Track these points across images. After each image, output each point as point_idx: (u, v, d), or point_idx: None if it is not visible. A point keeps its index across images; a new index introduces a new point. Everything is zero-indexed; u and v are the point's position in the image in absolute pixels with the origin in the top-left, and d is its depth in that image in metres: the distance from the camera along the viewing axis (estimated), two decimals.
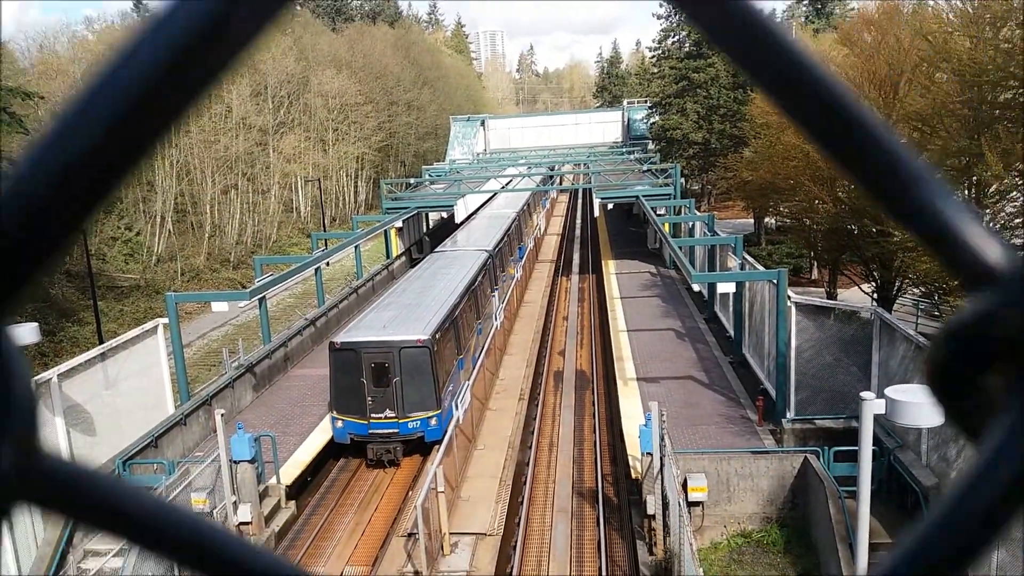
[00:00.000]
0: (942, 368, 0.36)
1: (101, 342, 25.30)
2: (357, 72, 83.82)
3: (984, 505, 0.36)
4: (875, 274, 31.59)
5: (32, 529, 16.57)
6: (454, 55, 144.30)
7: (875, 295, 31.78)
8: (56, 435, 17.73)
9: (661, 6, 65.73)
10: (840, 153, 0.39)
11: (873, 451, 15.22)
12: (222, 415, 17.96)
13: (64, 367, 18.69)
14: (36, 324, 17.98)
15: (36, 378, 17.41)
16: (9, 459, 0.31)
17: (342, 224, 75.03)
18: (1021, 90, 20.29)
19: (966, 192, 25.08)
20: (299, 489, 20.70)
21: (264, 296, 27.04)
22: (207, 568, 0.34)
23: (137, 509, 0.33)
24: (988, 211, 23.71)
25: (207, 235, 61.77)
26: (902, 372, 17.74)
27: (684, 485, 17.56)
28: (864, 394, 11.33)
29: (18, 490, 0.32)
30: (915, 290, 29.74)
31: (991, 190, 23.35)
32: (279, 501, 19.54)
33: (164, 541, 0.33)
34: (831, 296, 36.56)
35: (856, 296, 35.33)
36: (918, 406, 10.93)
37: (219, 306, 26.01)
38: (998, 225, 23.53)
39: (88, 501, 0.33)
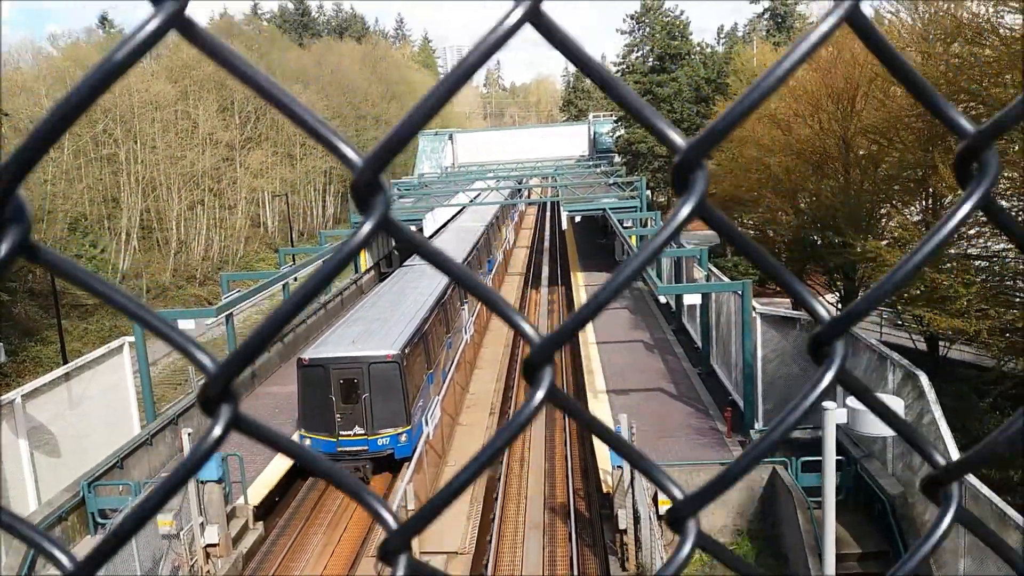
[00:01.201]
0: (528, 369, 0.84)
1: (65, 362, 24.87)
2: (325, 87, 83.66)
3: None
4: (838, 284, 32.04)
5: None
6: (421, 70, 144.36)
7: (839, 305, 32.21)
8: (20, 457, 17.34)
9: (624, 21, 66.55)
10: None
11: (840, 461, 15.40)
12: (189, 435, 17.72)
13: (28, 387, 18.33)
14: (1, 344, 17.63)
15: None
16: (230, 412, 0.78)
17: (310, 239, 74.57)
18: (971, 104, 20.73)
19: (923, 204, 25.56)
20: (267, 510, 20.46)
21: (231, 313, 26.74)
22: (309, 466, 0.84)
23: (270, 436, 0.81)
24: None
25: (173, 251, 61.09)
26: (866, 381, 17.95)
27: (655, 498, 17.62)
28: (826, 404, 11.37)
29: (234, 425, 0.77)
30: None
31: (947, 201, 23.79)
32: (247, 522, 19.27)
33: (289, 454, 0.82)
34: (796, 307, 36.99)
35: None
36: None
37: (185, 324, 25.48)
38: (955, 236, 23.98)
39: (259, 433, 0.80)
